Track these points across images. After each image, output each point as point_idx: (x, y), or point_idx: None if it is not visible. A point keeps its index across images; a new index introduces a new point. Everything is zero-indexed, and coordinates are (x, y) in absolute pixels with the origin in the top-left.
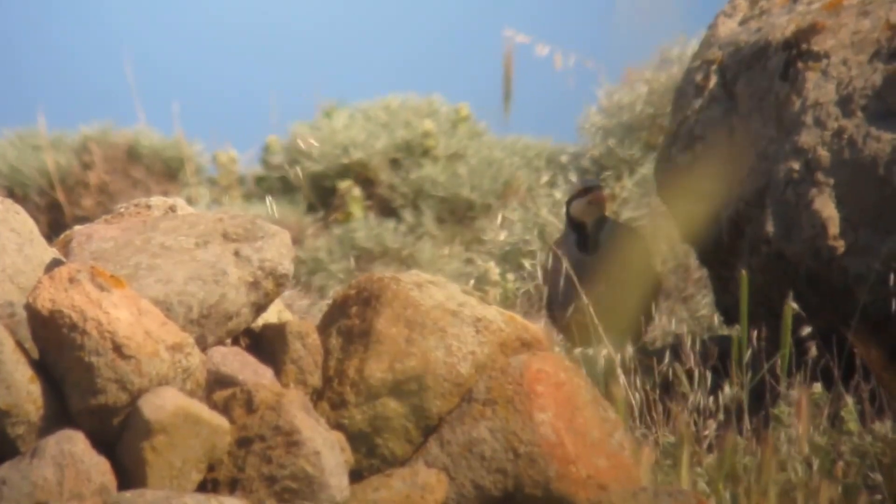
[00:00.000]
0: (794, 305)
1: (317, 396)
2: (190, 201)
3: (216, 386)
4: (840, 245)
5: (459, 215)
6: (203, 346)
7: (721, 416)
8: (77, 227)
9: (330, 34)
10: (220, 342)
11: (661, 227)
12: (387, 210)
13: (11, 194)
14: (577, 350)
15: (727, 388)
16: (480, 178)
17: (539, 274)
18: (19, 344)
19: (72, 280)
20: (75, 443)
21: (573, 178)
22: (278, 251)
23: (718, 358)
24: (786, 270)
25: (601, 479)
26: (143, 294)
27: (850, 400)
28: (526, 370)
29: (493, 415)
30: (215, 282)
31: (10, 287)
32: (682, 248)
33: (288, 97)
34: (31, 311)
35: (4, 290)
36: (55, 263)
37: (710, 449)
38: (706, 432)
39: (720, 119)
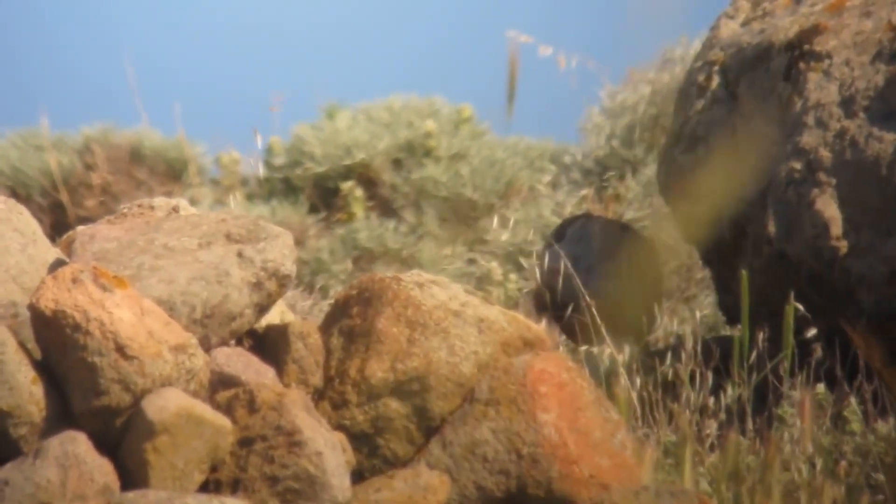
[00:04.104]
0: (800, 307)
1: (318, 396)
2: (193, 202)
3: (220, 386)
4: (842, 246)
5: (462, 215)
6: (207, 346)
7: (723, 416)
8: (80, 228)
9: (332, 35)
10: (224, 343)
11: (664, 227)
12: (389, 210)
13: (14, 195)
14: (582, 349)
15: (729, 388)
16: (483, 178)
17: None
18: (22, 344)
19: (75, 280)
20: (78, 444)
21: (576, 178)
22: (281, 252)
23: (721, 358)
24: (787, 271)
25: (603, 478)
26: (147, 294)
27: (853, 400)
28: (529, 370)
29: (495, 415)
30: (218, 282)
31: (14, 287)
32: (684, 249)
33: (290, 98)
34: (34, 311)
35: (8, 290)
36: (58, 264)
37: (712, 449)
38: (708, 432)
39: (722, 120)
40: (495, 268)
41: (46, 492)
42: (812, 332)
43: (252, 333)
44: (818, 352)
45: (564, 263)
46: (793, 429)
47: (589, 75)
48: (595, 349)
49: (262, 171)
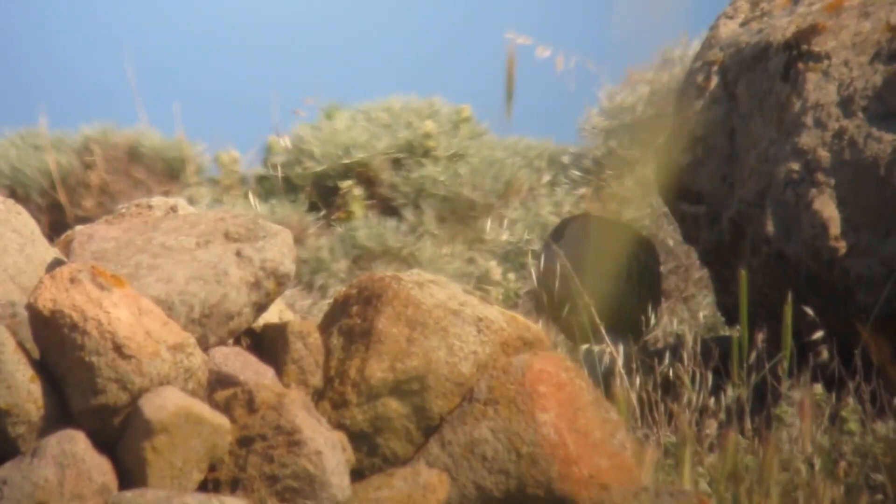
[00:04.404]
0: (809, 312)
1: (318, 396)
2: (191, 201)
3: (217, 386)
4: (841, 246)
5: (461, 215)
6: (205, 345)
7: (723, 416)
8: (78, 227)
9: (331, 35)
10: (222, 342)
11: (662, 227)
12: (388, 209)
13: (13, 194)
14: (581, 349)
15: (729, 389)
16: (482, 177)
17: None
18: (20, 344)
19: (73, 280)
20: (76, 443)
21: (575, 177)
22: (280, 251)
23: (720, 358)
24: (786, 271)
25: (603, 478)
26: (145, 294)
27: (851, 400)
28: (528, 370)
29: (494, 415)
30: (217, 282)
31: (12, 287)
32: (682, 249)
33: (290, 98)
34: (33, 311)
35: (6, 290)
36: (56, 263)
37: (711, 449)
38: (708, 432)
39: (721, 120)
40: (494, 267)
41: (44, 491)
42: (818, 334)
43: (250, 332)
44: (824, 354)
45: (563, 263)
46: (791, 429)
47: (588, 76)
48: (594, 349)
49: (280, 171)
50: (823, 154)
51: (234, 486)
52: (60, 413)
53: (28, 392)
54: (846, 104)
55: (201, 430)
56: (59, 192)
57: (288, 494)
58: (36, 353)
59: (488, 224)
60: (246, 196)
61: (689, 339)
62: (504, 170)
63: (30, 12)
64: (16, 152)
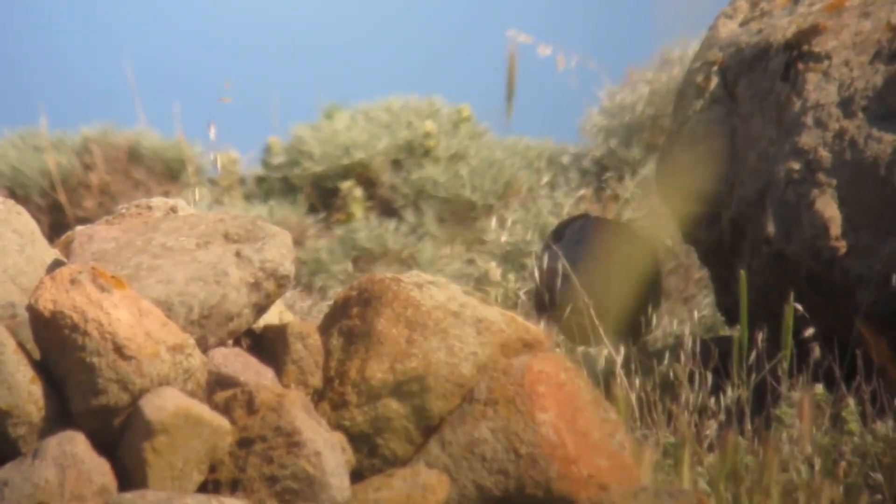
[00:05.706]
0: (798, 307)
1: (318, 397)
2: (191, 202)
3: (217, 387)
4: (841, 246)
5: (460, 216)
6: (204, 346)
7: (722, 417)
8: (78, 228)
9: (331, 35)
10: (222, 343)
11: (662, 226)
12: (388, 210)
13: (13, 195)
14: (580, 349)
15: (728, 389)
16: (481, 178)
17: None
18: (21, 345)
19: (73, 281)
20: (76, 444)
21: (575, 178)
22: (279, 252)
23: (720, 358)
24: (786, 271)
25: (602, 478)
26: (144, 294)
27: (851, 400)
28: (527, 371)
29: (494, 415)
30: (216, 282)
31: (12, 288)
32: (682, 249)
33: (289, 98)
34: (33, 312)
35: (6, 290)
36: (57, 264)
37: (711, 449)
38: (707, 432)
39: (721, 120)
40: (493, 268)
41: (45, 492)
42: (810, 331)
43: (250, 333)
44: (816, 351)
45: (563, 264)
46: (791, 429)
47: (588, 75)
48: (593, 350)
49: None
50: (824, 154)
51: (234, 487)
52: (61, 414)
53: (28, 393)
54: (846, 104)
55: (201, 430)
56: (59, 192)
57: (287, 496)
58: (36, 354)
59: (489, 225)
60: (246, 197)
61: (689, 339)
62: (504, 171)
63: (30, 12)
64: (16, 153)
